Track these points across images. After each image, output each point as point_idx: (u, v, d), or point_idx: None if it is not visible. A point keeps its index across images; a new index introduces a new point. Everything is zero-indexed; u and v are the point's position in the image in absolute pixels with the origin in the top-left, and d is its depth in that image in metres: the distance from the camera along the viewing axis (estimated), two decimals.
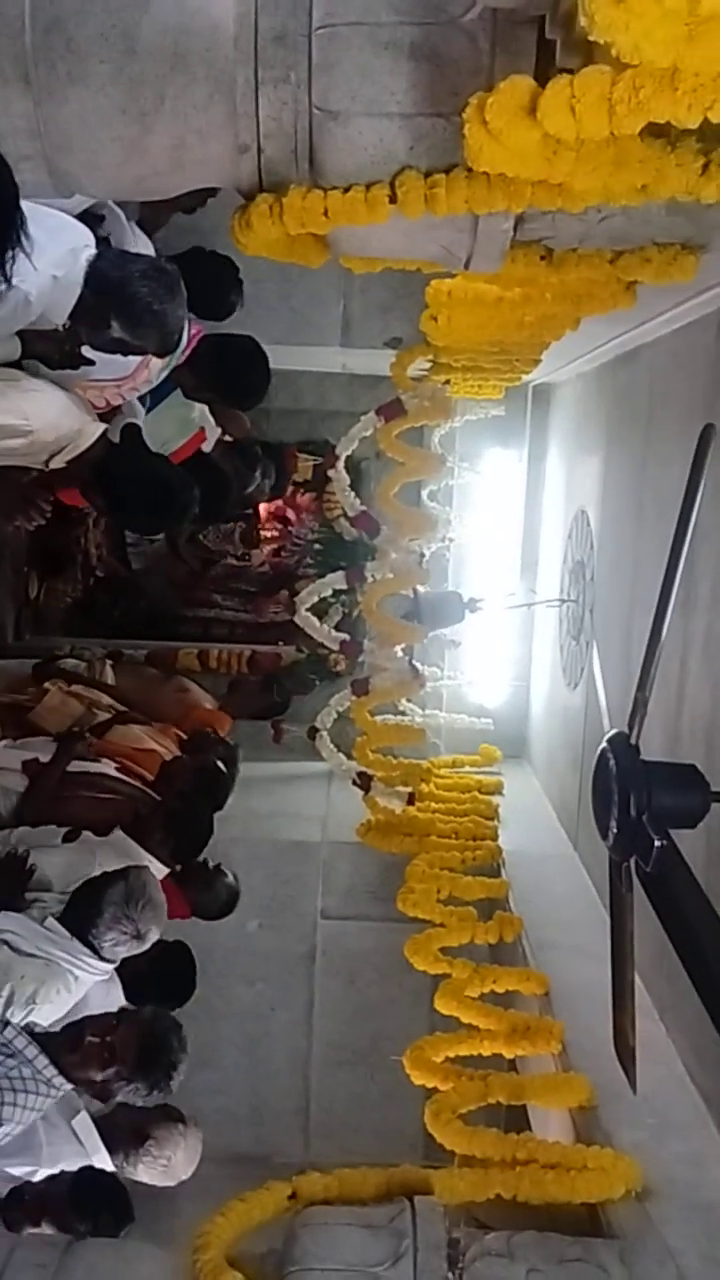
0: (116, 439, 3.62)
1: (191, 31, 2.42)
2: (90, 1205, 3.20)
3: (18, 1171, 3.33)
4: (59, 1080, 2.91)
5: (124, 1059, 2.97)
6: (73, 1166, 3.32)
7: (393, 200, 2.41)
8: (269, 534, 7.60)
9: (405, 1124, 5.04)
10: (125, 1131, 3.51)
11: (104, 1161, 3.44)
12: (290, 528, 7.50)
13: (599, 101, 1.83)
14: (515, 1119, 3.78)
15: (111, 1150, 3.46)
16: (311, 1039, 5.61)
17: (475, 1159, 3.03)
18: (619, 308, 3.38)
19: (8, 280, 1.68)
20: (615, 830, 2.50)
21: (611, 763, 2.55)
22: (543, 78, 2.08)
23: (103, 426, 3.42)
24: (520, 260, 2.93)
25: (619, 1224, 2.84)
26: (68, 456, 3.30)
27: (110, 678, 5.15)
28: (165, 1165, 3.46)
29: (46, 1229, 3.22)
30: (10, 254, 1.66)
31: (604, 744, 2.63)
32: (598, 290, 3.31)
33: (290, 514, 7.45)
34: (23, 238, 1.68)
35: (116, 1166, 3.47)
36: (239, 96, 2.45)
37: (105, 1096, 3.04)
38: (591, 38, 1.64)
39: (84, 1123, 3.49)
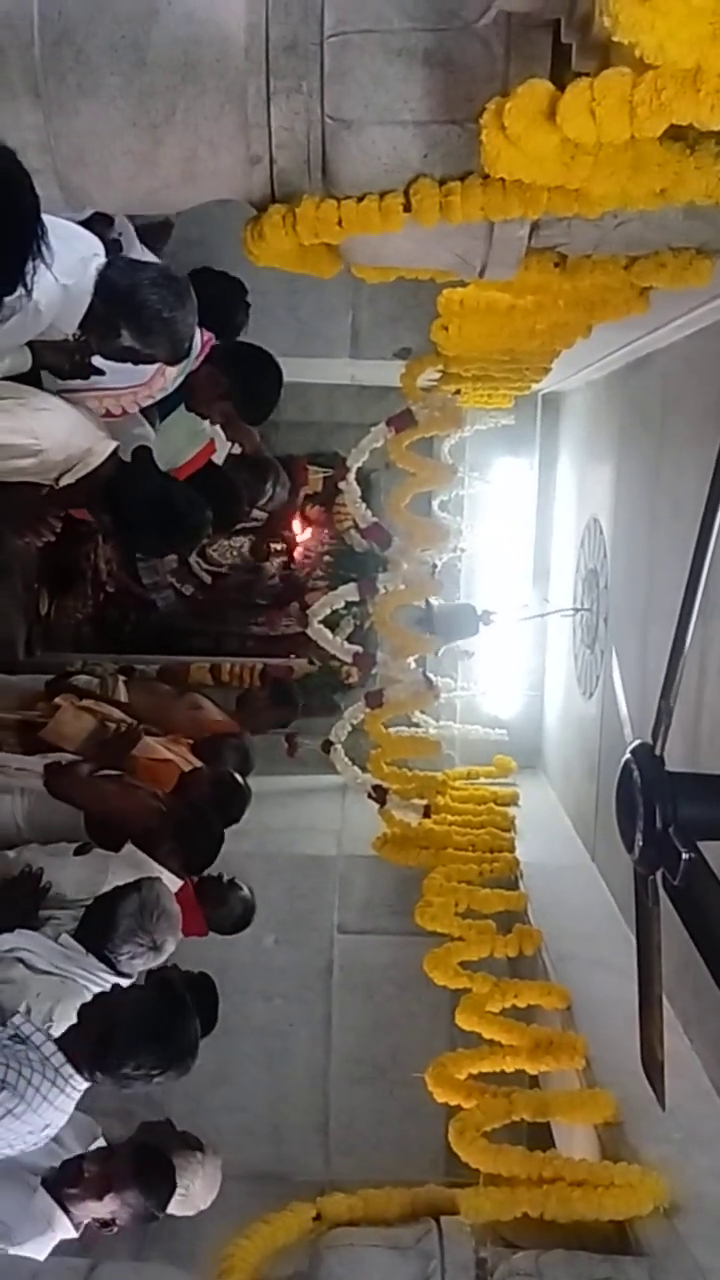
0: (128, 459, 3.62)
1: (202, 42, 2.40)
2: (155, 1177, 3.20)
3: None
4: (68, 1069, 2.90)
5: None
6: None
7: (407, 209, 2.39)
8: (277, 547, 7.60)
9: (426, 1140, 4.99)
10: None
11: None
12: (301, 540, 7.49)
13: (620, 104, 1.80)
14: (537, 1136, 3.74)
15: None
16: (330, 1054, 5.57)
17: (501, 1177, 2.98)
18: (633, 314, 3.36)
19: (28, 291, 1.67)
20: (641, 843, 2.46)
21: (636, 774, 2.52)
22: (558, 83, 2.05)
23: (114, 444, 3.40)
24: (534, 267, 2.90)
25: (648, 1241, 2.80)
26: (78, 474, 3.29)
27: (123, 695, 5.13)
28: (183, 1194, 3.44)
29: (111, 1205, 3.21)
30: (32, 265, 1.64)
31: (627, 755, 2.59)
32: (611, 297, 3.28)
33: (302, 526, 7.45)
34: (44, 249, 1.67)
35: None
36: (250, 107, 2.43)
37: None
38: (615, 38, 1.61)
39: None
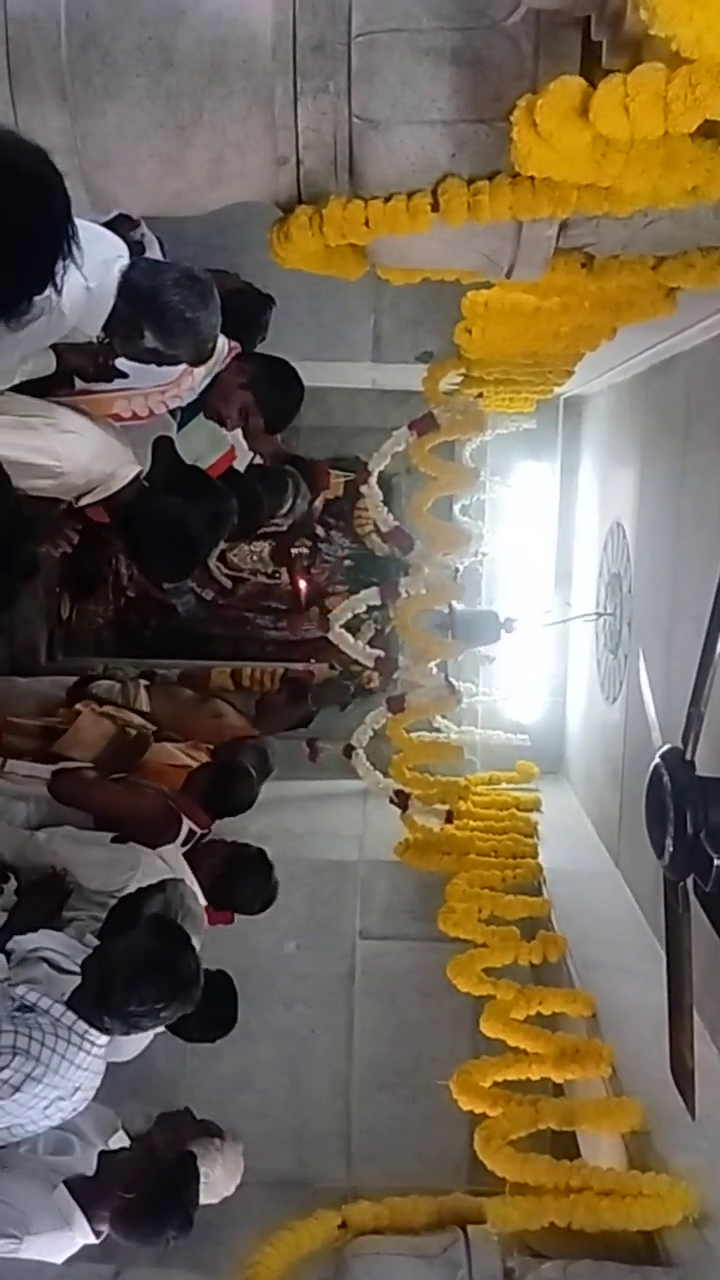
0: (148, 458, 3.61)
1: (229, 43, 2.40)
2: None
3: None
4: (80, 1025, 2.93)
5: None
6: None
7: (435, 208, 2.38)
8: (297, 552, 7.59)
9: (449, 1147, 4.96)
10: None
11: None
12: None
13: (654, 99, 1.79)
14: (561, 1145, 3.70)
15: None
16: (352, 1061, 5.53)
17: (527, 1186, 2.96)
18: (659, 315, 3.34)
19: (58, 290, 1.66)
20: (671, 849, 2.44)
21: (666, 779, 2.49)
22: (587, 81, 2.04)
23: (138, 469, 3.40)
24: (560, 268, 2.88)
25: (677, 1252, 2.76)
26: (98, 497, 3.28)
27: (145, 702, 5.13)
28: (204, 1182, 3.42)
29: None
30: (63, 264, 1.64)
31: (656, 760, 2.57)
32: (638, 298, 3.26)
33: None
34: (74, 249, 1.67)
35: None
36: (277, 108, 2.43)
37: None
38: (652, 31, 1.60)
39: (121, 1141, 3.48)
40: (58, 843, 3.81)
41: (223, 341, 3.69)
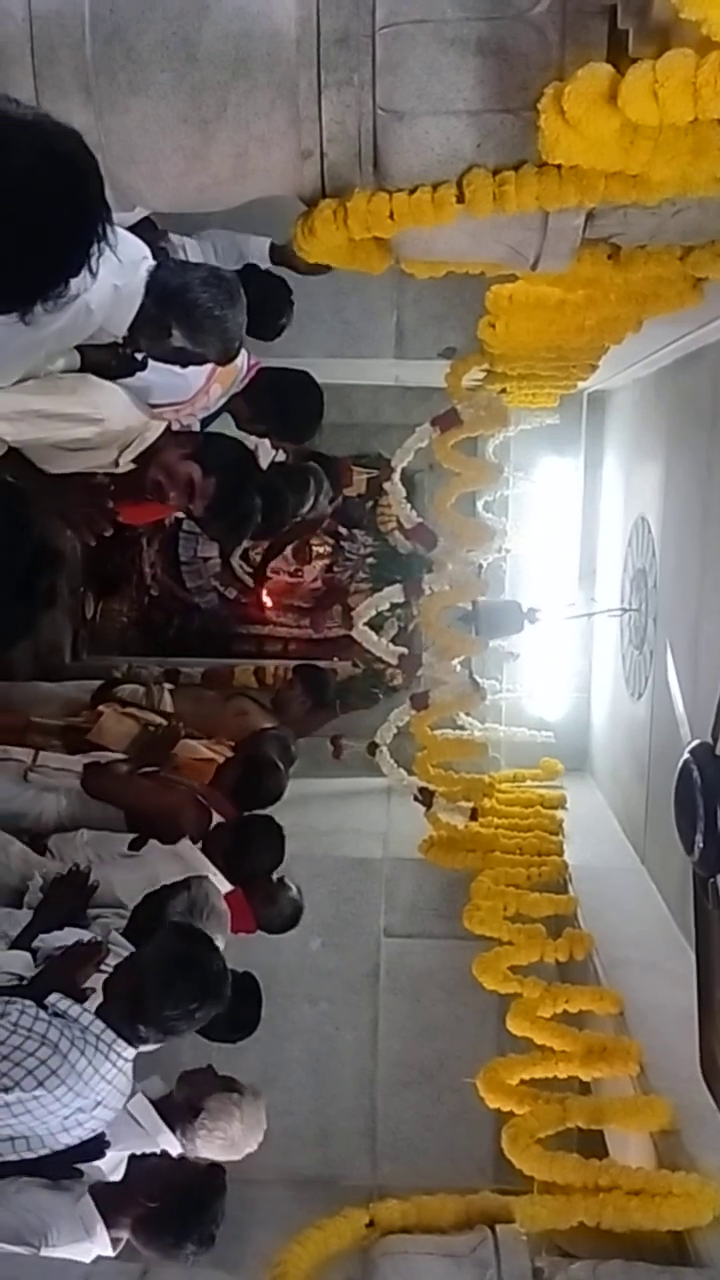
0: None
1: (253, 36, 2.39)
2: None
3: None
4: (109, 1035, 2.93)
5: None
6: (136, 1149, 3.30)
7: (460, 200, 2.36)
8: (320, 550, 7.58)
9: (474, 1146, 4.94)
10: (181, 1107, 3.49)
11: (168, 1142, 3.43)
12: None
13: (683, 85, 1.77)
14: (588, 1144, 3.68)
15: (171, 1129, 3.45)
16: (377, 1059, 5.52)
17: (556, 1185, 2.94)
18: (686, 306, 3.31)
19: (93, 274, 1.67)
20: (701, 844, 2.42)
21: (695, 774, 2.47)
22: (614, 69, 2.02)
23: (164, 423, 3.43)
24: (586, 259, 2.86)
25: (707, 1252, 2.74)
26: (136, 450, 3.30)
27: (169, 705, 5.15)
28: (223, 1137, 3.43)
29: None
30: (98, 248, 1.65)
31: (686, 755, 2.55)
32: (664, 289, 3.24)
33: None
34: (110, 231, 1.68)
35: (180, 1145, 3.43)
36: (301, 101, 2.42)
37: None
38: (683, 14, 1.58)
39: (141, 1104, 3.46)
40: (86, 839, 3.83)
41: (242, 359, 3.69)
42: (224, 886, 3.88)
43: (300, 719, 5.48)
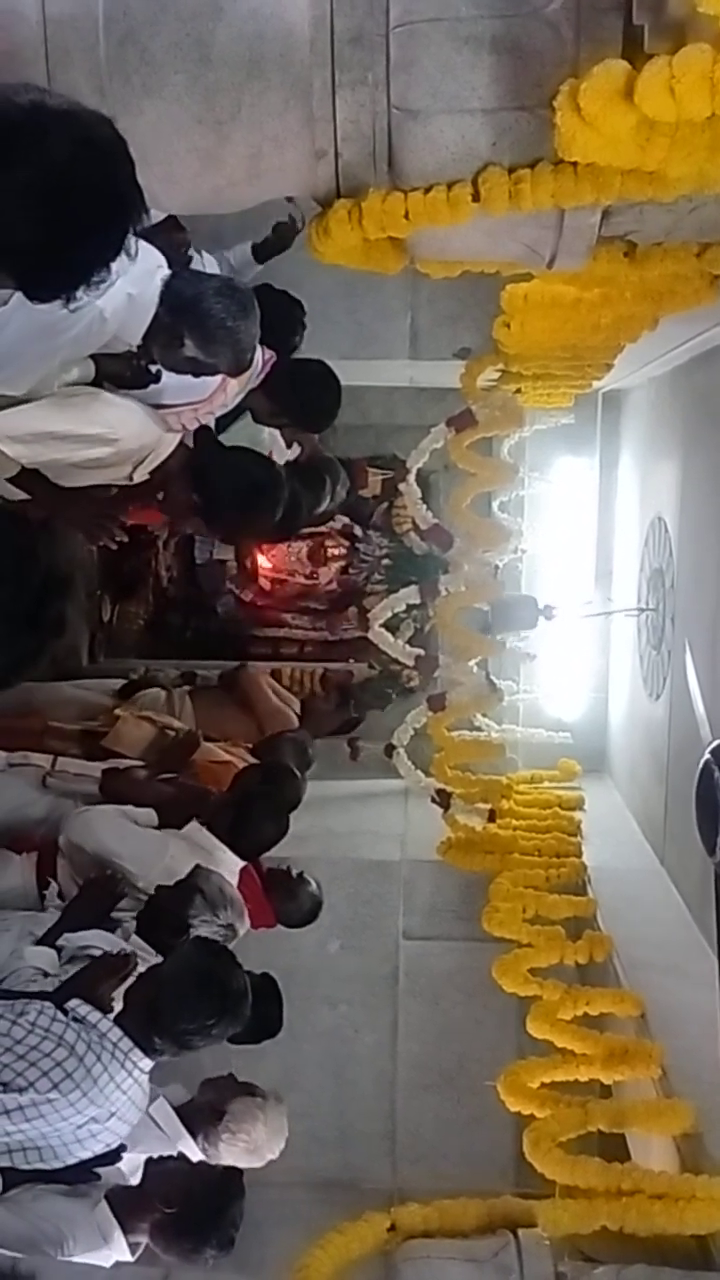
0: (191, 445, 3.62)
1: (266, 37, 2.39)
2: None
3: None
4: (126, 1043, 2.92)
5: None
6: (156, 1153, 3.29)
7: (475, 198, 2.35)
8: (335, 552, 7.58)
9: (495, 1149, 4.93)
10: (204, 1112, 3.48)
11: (188, 1147, 3.42)
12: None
13: (700, 80, 1.75)
14: (609, 1147, 3.66)
15: (193, 1134, 3.44)
16: (396, 1061, 5.51)
17: (578, 1189, 2.92)
18: (702, 304, 3.30)
19: (131, 256, 1.70)
20: None
21: (716, 774, 2.46)
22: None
23: (178, 436, 3.43)
24: (602, 257, 2.85)
25: None
26: (150, 466, 3.30)
27: (189, 712, 5.14)
28: (246, 1141, 3.43)
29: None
30: (133, 230, 1.68)
31: (707, 755, 2.53)
32: (680, 286, 3.22)
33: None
34: (143, 215, 1.71)
35: (202, 1151, 3.43)
36: (315, 101, 2.42)
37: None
38: (700, 9, 1.56)
39: (163, 1109, 3.45)
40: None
41: (259, 356, 3.69)
42: (235, 864, 3.88)
43: (320, 725, 5.49)
